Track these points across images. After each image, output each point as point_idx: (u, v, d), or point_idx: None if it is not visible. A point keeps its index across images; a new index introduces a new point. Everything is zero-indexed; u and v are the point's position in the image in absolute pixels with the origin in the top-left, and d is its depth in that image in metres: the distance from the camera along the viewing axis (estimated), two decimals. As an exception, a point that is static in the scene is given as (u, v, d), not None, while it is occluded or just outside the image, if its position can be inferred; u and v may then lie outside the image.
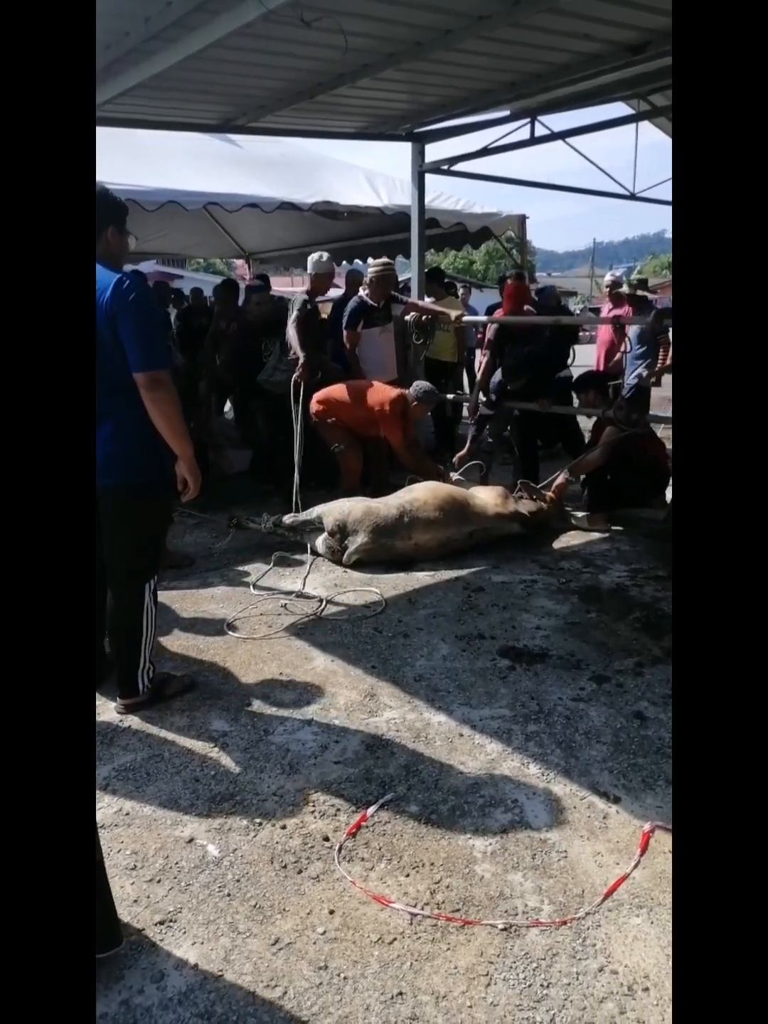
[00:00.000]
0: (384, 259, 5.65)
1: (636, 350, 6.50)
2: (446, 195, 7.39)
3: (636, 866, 1.91)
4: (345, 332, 5.44)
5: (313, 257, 5.21)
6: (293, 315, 5.04)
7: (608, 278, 6.90)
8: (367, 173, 7.52)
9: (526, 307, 5.76)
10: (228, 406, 7.41)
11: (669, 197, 7.37)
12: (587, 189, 6.93)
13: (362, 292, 5.54)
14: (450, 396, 6.27)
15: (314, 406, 4.98)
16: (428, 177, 6.15)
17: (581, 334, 9.20)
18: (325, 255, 5.24)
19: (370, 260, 5.99)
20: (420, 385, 4.88)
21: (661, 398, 8.71)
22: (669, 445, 4.88)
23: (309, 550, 4.24)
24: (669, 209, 6.95)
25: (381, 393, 4.86)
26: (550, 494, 4.76)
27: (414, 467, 4.94)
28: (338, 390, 4.99)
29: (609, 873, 1.89)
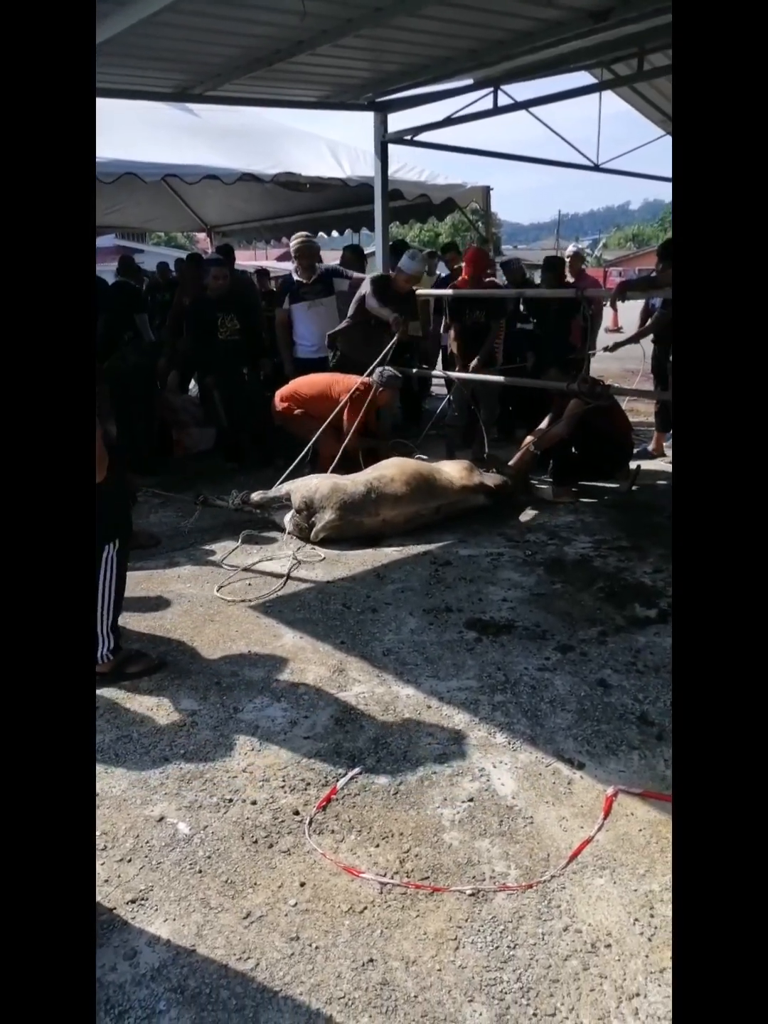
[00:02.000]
0: (301, 233, 5.77)
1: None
2: (410, 166, 7.29)
3: (600, 829, 1.96)
4: (276, 310, 5.68)
5: (409, 253, 5.38)
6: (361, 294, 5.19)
7: (571, 249, 6.91)
8: (329, 143, 7.38)
9: (488, 278, 5.76)
10: (193, 384, 7.31)
11: (633, 169, 7.35)
12: (551, 160, 6.87)
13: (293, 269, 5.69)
14: (415, 370, 6.24)
15: (278, 404, 5.04)
16: (391, 148, 6.05)
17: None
18: (421, 253, 5.46)
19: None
20: (385, 370, 4.92)
21: (623, 371, 8.79)
22: (633, 418, 4.94)
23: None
24: (633, 181, 6.99)
25: (345, 382, 4.90)
26: (516, 467, 4.78)
27: (355, 451, 4.94)
28: (301, 384, 5.06)
29: (574, 837, 1.94)
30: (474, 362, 5.51)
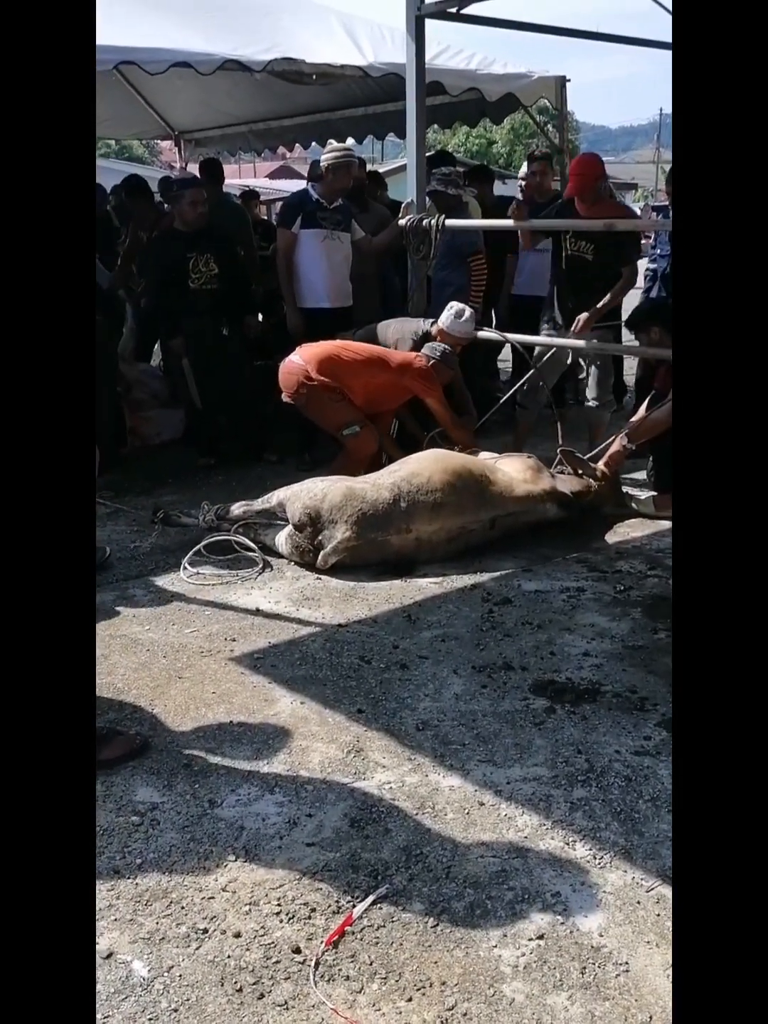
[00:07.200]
0: (341, 145, 5.81)
1: (662, 264, 6.54)
2: (454, 50, 7.35)
3: (723, 982, 1.94)
4: (278, 231, 5.75)
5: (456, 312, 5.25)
6: None
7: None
8: (344, 18, 7.45)
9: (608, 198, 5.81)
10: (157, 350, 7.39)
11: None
12: (651, 40, 6.88)
13: (311, 184, 5.76)
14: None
15: (301, 370, 4.93)
16: (430, 24, 6.09)
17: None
18: (468, 311, 5.30)
19: (332, 143, 6.05)
20: (435, 348, 4.98)
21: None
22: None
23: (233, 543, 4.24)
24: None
25: (393, 354, 5.04)
26: (602, 467, 4.77)
27: (459, 438, 5.14)
28: (340, 349, 5.02)
29: (687, 992, 1.92)
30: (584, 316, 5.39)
